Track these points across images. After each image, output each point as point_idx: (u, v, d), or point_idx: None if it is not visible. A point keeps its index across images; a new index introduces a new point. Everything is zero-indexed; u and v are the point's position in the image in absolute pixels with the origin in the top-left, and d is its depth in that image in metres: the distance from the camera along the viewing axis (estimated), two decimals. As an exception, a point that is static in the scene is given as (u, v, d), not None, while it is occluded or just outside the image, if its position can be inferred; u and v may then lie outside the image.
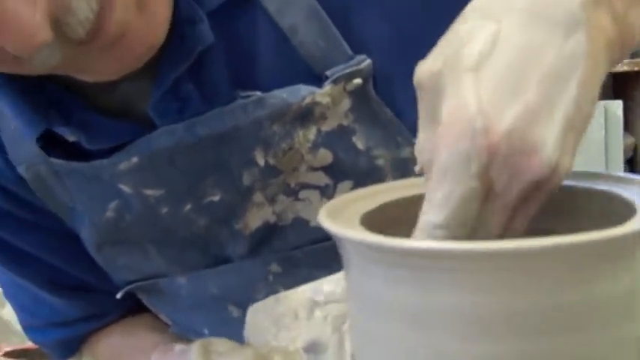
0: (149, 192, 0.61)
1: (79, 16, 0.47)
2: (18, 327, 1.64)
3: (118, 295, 0.71)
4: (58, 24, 0.46)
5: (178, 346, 0.55)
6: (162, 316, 0.74)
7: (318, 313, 0.49)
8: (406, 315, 0.32)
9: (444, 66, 0.36)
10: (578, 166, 0.37)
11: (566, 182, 0.36)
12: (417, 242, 0.33)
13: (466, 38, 0.36)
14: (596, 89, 0.36)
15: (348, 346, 0.47)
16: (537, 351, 0.30)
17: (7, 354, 1.37)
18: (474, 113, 0.34)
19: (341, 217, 0.37)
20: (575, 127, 0.35)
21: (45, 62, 0.50)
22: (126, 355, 0.76)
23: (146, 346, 0.70)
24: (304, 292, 0.50)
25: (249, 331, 0.51)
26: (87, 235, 0.66)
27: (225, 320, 0.66)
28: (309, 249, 0.63)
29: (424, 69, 0.37)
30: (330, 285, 0.49)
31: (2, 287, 0.81)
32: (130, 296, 0.72)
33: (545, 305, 0.30)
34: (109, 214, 0.63)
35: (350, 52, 0.57)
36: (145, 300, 0.73)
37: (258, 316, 0.51)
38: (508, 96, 0.34)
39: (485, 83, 0.34)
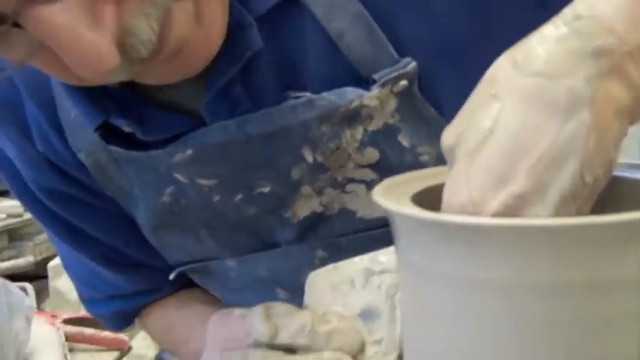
0: (202, 182, 0.63)
1: (142, 38, 0.48)
2: (72, 297, 1.70)
3: (171, 277, 0.74)
4: (123, 47, 0.48)
5: (237, 311, 0.56)
6: (214, 294, 0.77)
7: (373, 282, 0.50)
8: (451, 285, 0.35)
9: (455, 143, 0.37)
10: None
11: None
12: (470, 218, 0.34)
13: (472, 117, 0.37)
14: (607, 155, 0.36)
15: (399, 314, 0.49)
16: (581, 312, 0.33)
17: (65, 321, 1.43)
18: (464, 202, 0.36)
19: (391, 196, 0.39)
20: (580, 195, 0.35)
21: (112, 81, 0.52)
22: (179, 326, 0.79)
23: (200, 318, 0.71)
24: (361, 261, 0.51)
25: (308, 297, 0.53)
26: (142, 218, 0.69)
27: (273, 301, 0.68)
28: (354, 237, 0.64)
29: (445, 140, 0.39)
30: (385, 256, 0.50)
31: (62, 261, 0.84)
32: (183, 274, 0.75)
33: (581, 277, 0.33)
34: (165, 198, 0.65)
35: (396, 55, 0.58)
36: (197, 280, 0.76)
37: (317, 282, 0.53)
38: (496, 184, 0.35)
39: (477, 170, 0.36)
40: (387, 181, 0.43)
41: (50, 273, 1.86)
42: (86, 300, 0.85)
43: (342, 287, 0.51)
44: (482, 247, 0.33)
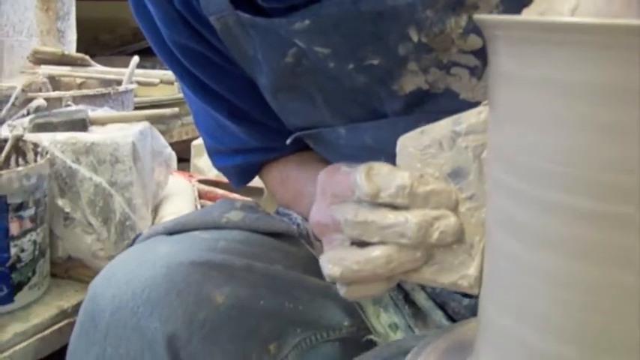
0: (318, 49, 0.67)
1: None
2: (209, 174, 1.81)
3: (288, 141, 0.79)
4: None
5: (344, 167, 0.57)
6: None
7: (459, 143, 0.51)
8: (544, 89, 0.37)
9: None
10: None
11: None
12: (584, 18, 0.36)
13: (553, 2, 0.39)
14: None
15: (486, 171, 0.50)
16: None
17: (200, 181, 1.55)
18: None
19: None
20: None
21: None
22: (296, 180, 0.85)
23: (317, 175, 0.79)
24: (447, 124, 0.52)
25: (399, 160, 0.54)
26: (264, 81, 0.74)
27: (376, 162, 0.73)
28: None
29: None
30: (470, 117, 0.51)
31: (193, 114, 0.91)
32: (302, 139, 0.80)
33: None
34: (288, 59, 0.69)
35: None
36: (312, 146, 0.81)
37: (407, 147, 0.54)
38: None
39: None
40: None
41: (193, 151, 1.99)
42: (212, 152, 0.92)
43: (430, 150, 0.52)
44: (571, 48, 0.35)
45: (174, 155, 1.37)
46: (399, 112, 0.70)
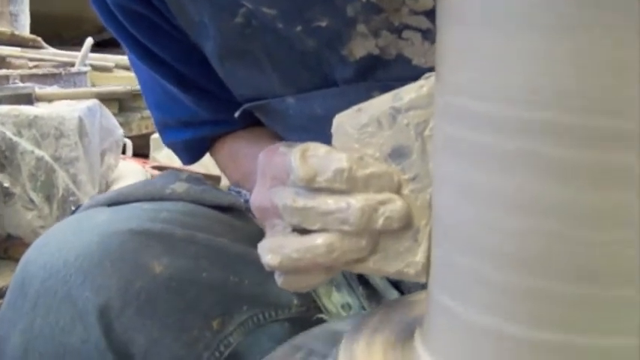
0: (265, 10, 0.65)
1: None
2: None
3: (236, 114, 0.76)
4: None
5: (282, 148, 0.54)
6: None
7: (400, 120, 0.47)
8: (504, 28, 0.35)
9: None
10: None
11: None
12: None
13: None
14: None
15: (430, 149, 0.47)
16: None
17: (153, 167, 1.52)
18: None
19: None
20: None
21: None
22: (245, 158, 0.82)
23: None
24: (386, 100, 0.48)
25: (335, 140, 0.50)
26: (212, 47, 0.71)
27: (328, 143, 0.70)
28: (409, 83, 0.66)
29: None
30: (410, 92, 0.48)
31: (142, 85, 0.88)
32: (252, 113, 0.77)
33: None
34: (238, 19, 0.67)
35: None
36: (262, 119, 0.79)
37: (343, 125, 0.50)
38: None
39: None
40: None
41: (152, 144, 1.97)
42: (161, 127, 0.89)
43: (369, 129, 0.48)
44: None
45: (129, 142, 1.33)
46: (349, 80, 0.68)
